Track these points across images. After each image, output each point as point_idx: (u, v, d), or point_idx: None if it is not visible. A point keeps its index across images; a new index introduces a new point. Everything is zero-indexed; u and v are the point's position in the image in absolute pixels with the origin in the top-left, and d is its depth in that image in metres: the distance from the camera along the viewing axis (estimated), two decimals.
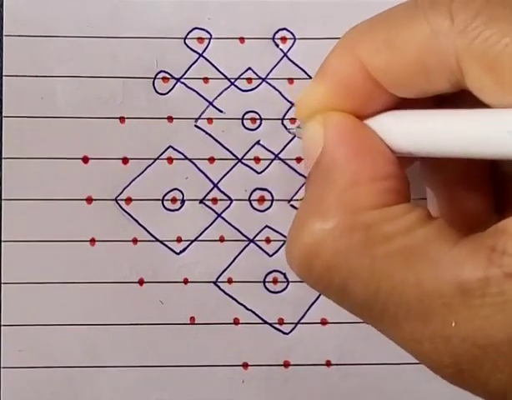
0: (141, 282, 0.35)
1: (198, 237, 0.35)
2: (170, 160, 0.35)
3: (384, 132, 0.24)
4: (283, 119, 0.35)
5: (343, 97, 0.24)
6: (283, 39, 0.35)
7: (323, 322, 0.35)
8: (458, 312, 0.21)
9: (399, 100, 0.24)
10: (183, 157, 0.35)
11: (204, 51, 0.35)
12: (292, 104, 0.35)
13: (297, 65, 0.36)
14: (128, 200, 0.35)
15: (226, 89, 0.35)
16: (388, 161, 0.23)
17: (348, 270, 0.22)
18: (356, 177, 0.23)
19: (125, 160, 0.35)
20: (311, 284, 0.24)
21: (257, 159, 0.35)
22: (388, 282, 0.22)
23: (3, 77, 0.34)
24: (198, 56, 0.35)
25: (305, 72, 0.35)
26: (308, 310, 0.35)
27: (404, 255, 0.22)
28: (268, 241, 0.35)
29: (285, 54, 0.36)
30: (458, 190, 0.27)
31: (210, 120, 0.35)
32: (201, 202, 0.35)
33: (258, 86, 0.35)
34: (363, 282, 0.22)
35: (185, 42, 0.35)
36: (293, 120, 0.35)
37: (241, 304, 0.35)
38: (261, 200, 0.35)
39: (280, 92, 0.35)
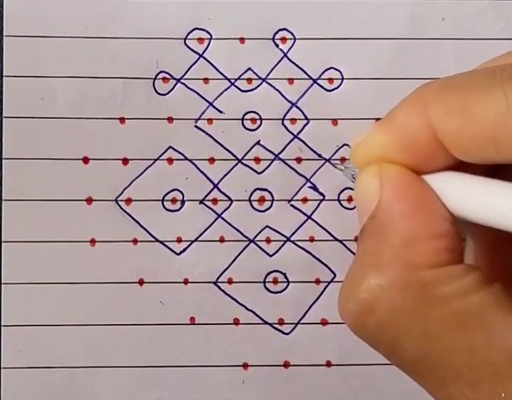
0: (141, 282, 0.35)
1: (198, 237, 0.35)
2: (170, 160, 0.35)
3: (442, 191, 0.24)
4: (283, 119, 0.35)
5: (404, 152, 0.24)
6: (283, 39, 0.35)
7: (324, 323, 0.35)
8: (508, 383, 0.21)
9: (459, 161, 0.24)
10: (183, 157, 0.35)
11: (204, 51, 0.35)
12: (292, 104, 0.35)
13: (297, 65, 0.36)
14: (128, 200, 0.35)
15: (226, 89, 0.35)
16: (444, 219, 0.23)
17: (401, 328, 0.22)
18: (413, 234, 0.22)
19: (125, 160, 0.35)
20: (363, 339, 0.24)
21: (257, 159, 0.35)
22: (439, 344, 0.21)
23: (3, 77, 0.34)
24: (198, 56, 0.35)
25: (305, 73, 0.35)
26: (308, 310, 0.35)
27: (458, 319, 0.21)
28: (268, 241, 0.35)
29: (285, 54, 0.36)
30: (503, 243, 0.26)
31: (210, 120, 0.35)
32: (201, 202, 0.35)
33: (259, 86, 0.35)
34: (414, 341, 0.22)
35: (185, 43, 0.35)
36: (293, 120, 0.35)
37: (241, 304, 0.35)
38: (261, 200, 0.35)
39: (280, 93, 0.35)
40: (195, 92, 0.35)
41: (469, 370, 0.21)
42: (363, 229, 0.24)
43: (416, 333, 0.22)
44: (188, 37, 0.35)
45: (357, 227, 0.35)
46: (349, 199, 0.35)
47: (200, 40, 0.35)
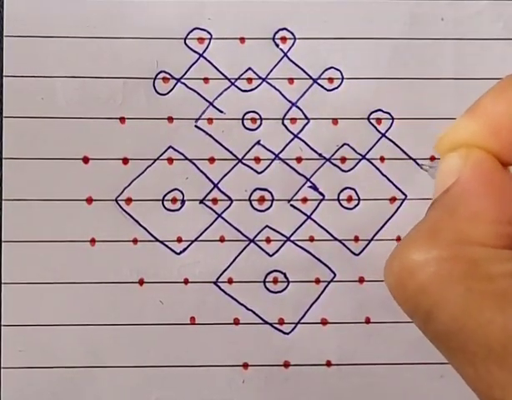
0: (141, 282, 0.35)
1: (198, 237, 0.35)
2: (170, 160, 0.35)
3: None
4: (283, 119, 0.35)
5: (492, 140, 0.24)
6: (284, 39, 0.35)
7: (324, 322, 0.35)
8: None
9: None
10: (183, 157, 0.35)
11: (205, 51, 0.35)
12: (292, 104, 0.35)
13: (297, 65, 0.36)
14: (129, 200, 0.35)
15: (226, 89, 0.35)
16: None
17: (441, 297, 0.22)
18: (480, 213, 0.23)
19: (125, 160, 0.35)
20: (399, 301, 0.24)
21: (257, 159, 0.35)
22: (475, 319, 0.22)
23: (3, 77, 0.34)
24: (198, 56, 0.35)
25: (305, 72, 0.36)
26: (308, 310, 0.35)
27: (499, 298, 0.21)
28: (268, 241, 0.35)
29: (285, 54, 0.36)
30: None
31: (210, 120, 0.35)
32: (201, 202, 0.35)
33: (259, 86, 0.35)
34: (451, 313, 0.22)
35: (185, 43, 0.35)
36: (293, 120, 0.35)
37: (241, 304, 0.35)
38: (261, 200, 0.35)
39: (280, 92, 0.35)
40: (195, 91, 0.35)
41: (501, 348, 0.21)
42: (434, 201, 0.24)
43: (454, 305, 0.22)
44: (189, 36, 0.35)
45: (356, 227, 0.35)
46: (349, 199, 0.35)
47: (200, 40, 0.35)
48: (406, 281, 0.23)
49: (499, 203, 0.23)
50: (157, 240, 0.35)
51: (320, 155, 0.35)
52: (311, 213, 0.35)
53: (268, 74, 0.35)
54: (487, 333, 0.21)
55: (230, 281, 0.35)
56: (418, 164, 0.34)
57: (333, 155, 0.35)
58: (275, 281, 0.35)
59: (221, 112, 0.35)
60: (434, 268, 0.22)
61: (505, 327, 0.21)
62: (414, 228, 0.24)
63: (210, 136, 0.35)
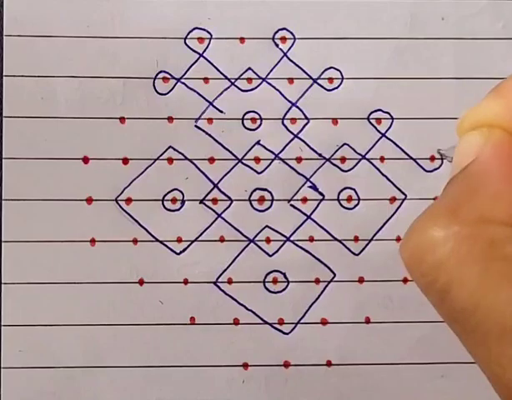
0: (141, 282, 0.35)
1: (198, 237, 0.35)
2: (170, 160, 0.35)
3: None
4: (283, 119, 0.35)
5: None
6: (283, 39, 0.35)
7: (324, 322, 0.35)
8: None
9: None
10: (183, 157, 0.35)
11: (205, 51, 0.35)
12: (292, 104, 0.35)
13: (297, 65, 0.36)
14: (129, 200, 0.35)
15: (226, 89, 0.35)
16: None
17: (458, 274, 0.22)
18: (501, 193, 0.23)
19: (125, 160, 0.35)
20: (415, 276, 0.24)
21: (257, 159, 0.35)
22: (492, 297, 0.21)
23: (3, 77, 0.34)
24: (198, 56, 0.35)
25: (305, 72, 0.35)
26: (308, 310, 0.35)
27: None
28: (268, 241, 0.35)
29: (285, 54, 0.36)
30: None
31: (210, 120, 0.35)
32: (201, 202, 0.35)
33: (259, 86, 0.35)
34: (468, 289, 0.22)
35: (185, 42, 0.35)
36: (293, 120, 0.35)
37: (241, 304, 0.35)
38: (261, 200, 0.35)
39: (280, 92, 0.35)
40: (195, 91, 0.35)
41: None
42: (452, 177, 0.24)
43: (471, 283, 0.22)
44: (188, 36, 0.35)
45: (356, 227, 0.35)
46: (349, 199, 0.35)
47: (200, 40, 0.35)
48: (424, 255, 0.22)
49: None
50: (157, 240, 0.35)
51: (320, 155, 0.35)
52: (311, 213, 0.35)
53: (268, 74, 0.35)
54: (503, 313, 0.21)
55: (230, 281, 0.35)
56: (440, 154, 0.34)
57: (333, 155, 0.35)
58: (275, 281, 0.35)
59: (221, 112, 0.35)
60: (453, 245, 0.22)
61: None
62: (432, 204, 0.24)
63: (210, 136, 0.35)
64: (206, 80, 0.35)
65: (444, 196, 0.24)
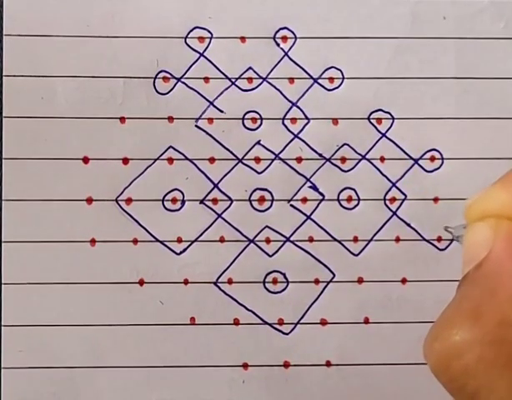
0: (141, 282, 0.35)
1: (198, 237, 0.35)
2: (170, 160, 0.35)
3: None
4: (283, 119, 0.35)
5: None
6: (284, 38, 0.35)
7: (323, 323, 0.35)
8: None
9: None
10: (183, 157, 0.35)
11: (205, 50, 0.35)
12: (293, 104, 0.35)
13: (298, 64, 0.35)
14: (129, 200, 0.35)
15: (227, 89, 0.35)
16: None
17: (488, 380, 0.22)
18: None
19: (125, 160, 0.35)
20: (443, 381, 0.24)
21: (257, 159, 0.35)
22: None
23: (3, 77, 0.34)
24: (198, 55, 0.35)
25: (306, 72, 0.35)
26: (307, 310, 0.35)
27: None
28: (268, 241, 0.35)
29: (286, 53, 0.35)
30: None
31: (211, 120, 0.35)
32: (201, 202, 0.35)
33: (259, 85, 0.35)
34: (498, 396, 0.22)
35: (186, 42, 0.35)
36: (294, 120, 0.35)
37: (241, 304, 0.35)
38: (261, 200, 0.35)
39: (281, 92, 0.35)
40: (195, 91, 0.35)
41: None
42: (466, 276, 0.24)
43: (501, 389, 0.22)
44: (189, 36, 0.35)
45: (356, 228, 0.35)
46: (349, 199, 0.35)
47: (201, 39, 0.35)
48: (450, 362, 0.22)
49: None
50: (157, 240, 0.35)
51: (320, 155, 0.35)
52: (311, 213, 0.35)
53: (269, 74, 0.35)
54: None
55: (230, 281, 0.35)
56: (446, 230, 0.33)
57: (333, 155, 0.35)
58: (275, 281, 0.35)
59: (221, 111, 0.35)
60: (479, 351, 0.22)
61: None
62: (450, 306, 0.23)
63: (210, 136, 0.35)
64: (206, 79, 0.35)
65: (463, 297, 0.23)
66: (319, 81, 0.35)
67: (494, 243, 0.23)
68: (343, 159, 0.35)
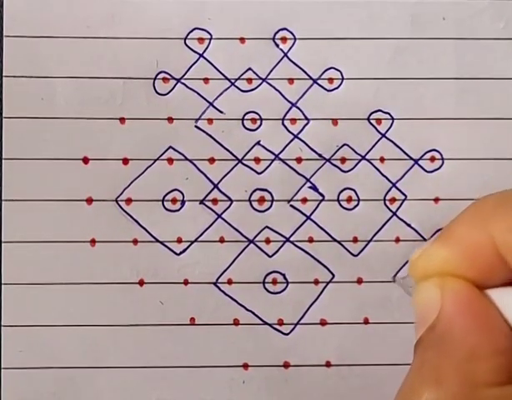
0: (141, 282, 0.35)
1: (198, 237, 0.35)
2: (170, 161, 0.35)
3: (504, 307, 0.24)
4: (283, 119, 0.35)
5: (466, 266, 0.24)
6: (284, 39, 0.35)
7: (323, 323, 0.35)
8: None
9: None
10: (183, 157, 0.35)
11: (205, 51, 0.35)
12: (292, 104, 0.35)
13: (297, 65, 0.36)
14: (129, 201, 0.35)
15: (226, 89, 0.35)
16: (506, 336, 0.23)
17: None
18: (475, 350, 0.22)
19: (125, 161, 0.35)
20: None
21: (257, 160, 0.35)
22: None
23: (3, 77, 0.34)
24: (198, 56, 0.35)
25: (305, 73, 0.35)
26: (307, 311, 0.35)
27: None
28: (267, 241, 0.35)
29: (285, 54, 0.35)
30: None
31: (210, 120, 0.35)
32: (201, 202, 0.35)
33: (259, 86, 0.35)
34: None
35: (185, 43, 0.35)
36: (293, 120, 0.35)
37: (241, 305, 0.35)
38: (261, 200, 0.35)
39: (280, 93, 0.35)
40: (195, 92, 0.35)
41: None
42: (421, 339, 0.24)
43: None
44: (189, 36, 0.35)
45: (356, 228, 0.35)
46: (349, 199, 0.35)
47: (200, 40, 0.35)
48: None
49: (487, 335, 0.22)
50: (157, 240, 0.35)
51: (320, 155, 0.35)
52: (311, 214, 0.35)
53: (268, 74, 0.35)
54: None
55: (230, 281, 0.35)
56: (395, 281, 0.33)
57: (333, 155, 0.35)
58: (274, 282, 0.35)
59: (221, 112, 0.35)
60: None
61: None
62: (411, 374, 0.23)
63: (210, 136, 0.35)
64: (206, 80, 0.35)
65: (422, 363, 0.23)
66: (319, 81, 0.35)
67: (443, 303, 0.23)
68: (343, 159, 0.35)
